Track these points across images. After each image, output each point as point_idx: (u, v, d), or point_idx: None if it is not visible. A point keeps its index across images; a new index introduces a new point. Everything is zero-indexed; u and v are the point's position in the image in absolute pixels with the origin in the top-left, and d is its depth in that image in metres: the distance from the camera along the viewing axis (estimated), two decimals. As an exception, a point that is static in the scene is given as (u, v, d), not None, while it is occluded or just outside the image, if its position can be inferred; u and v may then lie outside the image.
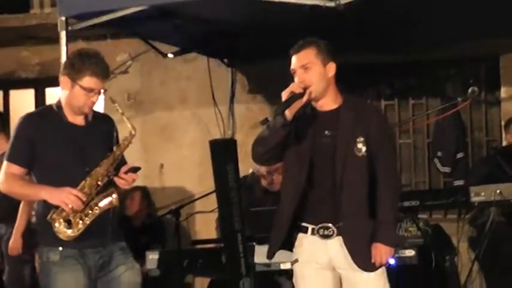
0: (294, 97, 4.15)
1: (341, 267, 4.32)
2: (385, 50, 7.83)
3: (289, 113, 4.12)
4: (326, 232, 4.29)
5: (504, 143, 7.73)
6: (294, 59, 4.33)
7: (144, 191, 8.14)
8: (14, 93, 9.68)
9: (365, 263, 4.24)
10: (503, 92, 8.44)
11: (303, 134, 4.29)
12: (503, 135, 7.82)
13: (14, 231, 6.57)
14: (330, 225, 4.27)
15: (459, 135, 8.25)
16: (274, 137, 4.22)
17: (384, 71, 8.74)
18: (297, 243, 4.40)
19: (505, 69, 8.38)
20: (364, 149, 4.27)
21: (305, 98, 4.18)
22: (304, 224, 4.35)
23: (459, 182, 7.77)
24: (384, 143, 4.35)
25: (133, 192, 7.89)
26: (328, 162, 4.29)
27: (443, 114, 7.60)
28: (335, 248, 4.29)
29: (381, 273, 4.32)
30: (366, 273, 4.26)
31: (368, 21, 5.95)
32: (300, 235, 4.38)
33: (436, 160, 8.32)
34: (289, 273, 5.79)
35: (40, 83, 9.34)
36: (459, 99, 6.37)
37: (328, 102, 4.36)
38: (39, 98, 9.35)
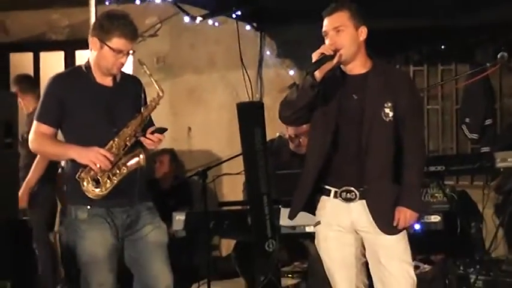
0: (324, 58, 4.14)
1: (363, 230, 4.33)
2: (414, 14, 7.77)
3: (318, 74, 4.12)
4: (349, 195, 4.31)
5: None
6: (326, 21, 4.31)
7: (173, 154, 8.20)
8: (44, 56, 9.68)
9: (387, 227, 4.26)
10: (534, 57, 8.34)
11: (331, 96, 4.28)
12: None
13: (24, 184, 6.62)
14: (353, 188, 4.29)
15: (488, 102, 8.19)
16: (303, 98, 4.21)
17: (412, 36, 8.64)
18: (319, 205, 4.43)
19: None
20: (391, 114, 4.26)
21: (335, 60, 4.19)
22: (327, 187, 4.37)
23: (486, 149, 7.69)
24: (412, 109, 4.35)
25: (161, 155, 7.96)
26: (354, 125, 4.29)
27: (472, 79, 7.57)
28: (358, 211, 4.30)
29: (402, 237, 4.33)
30: (387, 237, 4.27)
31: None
32: (323, 198, 4.40)
33: (464, 126, 8.26)
34: (313, 236, 5.92)
35: (70, 45, 9.34)
36: (488, 64, 6.31)
37: (358, 67, 4.35)
38: (69, 60, 9.34)
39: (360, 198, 4.29)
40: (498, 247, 7.33)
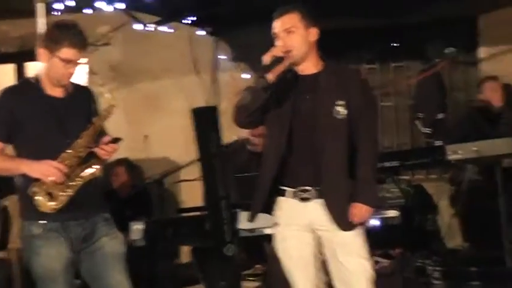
0: (275, 61, 4.13)
1: (320, 229, 4.32)
2: (365, 14, 7.81)
3: (271, 76, 4.09)
4: (306, 195, 4.30)
5: (482, 103, 7.70)
6: (277, 22, 4.30)
7: (128, 164, 8.10)
8: (-6, 68, 9.63)
9: (345, 223, 4.24)
10: (482, 52, 8.50)
11: (284, 97, 4.28)
12: (480, 95, 7.78)
13: None
14: (310, 188, 4.28)
15: (439, 96, 8.30)
16: (256, 100, 4.20)
17: (364, 35, 8.73)
18: (277, 206, 4.41)
19: (483, 30, 8.43)
20: (344, 112, 4.26)
21: (287, 62, 4.17)
22: (284, 188, 4.36)
23: (440, 143, 7.74)
24: (365, 107, 4.34)
25: (116, 166, 7.89)
26: (308, 125, 4.29)
27: (423, 75, 7.63)
28: (315, 210, 4.28)
29: (359, 233, 4.33)
30: (344, 233, 4.26)
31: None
32: (280, 198, 4.38)
33: (417, 121, 8.35)
34: (271, 238, 5.95)
35: (20, 57, 9.23)
36: (438, 60, 6.35)
37: (309, 67, 4.36)
38: (20, 73, 9.26)
39: (317, 197, 4.28)
40: (454, 238, 7.45)
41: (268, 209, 4.42)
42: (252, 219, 4.49)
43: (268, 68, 4.10)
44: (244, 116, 4.32)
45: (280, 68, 4.12)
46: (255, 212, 4.45)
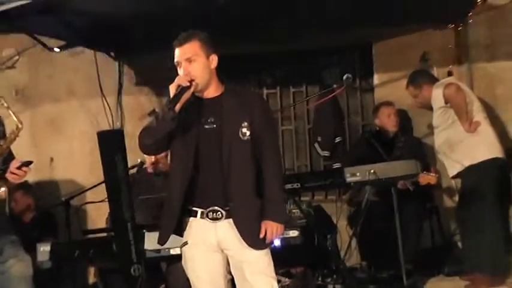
0: (182, 90, 4.12)
1: (229, 248, 4.31)
2: (265, 40, 7.88)
3: (178, 106, 4.09)
4: (215, 215, 4.28)
5: (377, 127, 7.81)
6: (178, 51, 4.28)
7: (25, 187, 7.86)
8: None
9: (254, 242, 4.25)
10: (376, 78, 8.59)
11: (188, 122, 4.26)
12: (375, 120, 7.86)
13: None
14: (219, 208, 4.27)
15: (337, 120, 8.35)
16: (163, 130, 4.18)
17: (264, 60, 8.80)
18: (187, 227, 4.36)
19: (377, 57, 8.54)
20: (248, 133, 4.28)
21: (191, 90, 4.17)
22: (194, 208, 4.32)
23: (338, 165, 7.84)
24: (267, 127, 4.38)
25: (14, 191, 7.66)
26: (214, 147, 4.28)
27: (321, 100, 7.69)
28: (224, 230, 4.28)
29: (266, 253, 4.33)
30: (253, 252, 4.25)
31: (247, 13, 5.90)
32: (190, 219, 4.34)
33: (316, 145, 8.41)
34: (179, 258, 5.89)
35: None
36: (335, 86, 6.43)
37: (212, 91, 4.35)
38: None
39: (226, 217, 4.27)
40: (352, 256, 7.50)
41: (178, 229, 4.37)
42: (163, 241, 4.41)
43: (176, 98, 4.08)
44: (151, 143, 4.29)
45: (186, 97, 4.13)
46: (167, 234, 4.38)
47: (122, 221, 5.77)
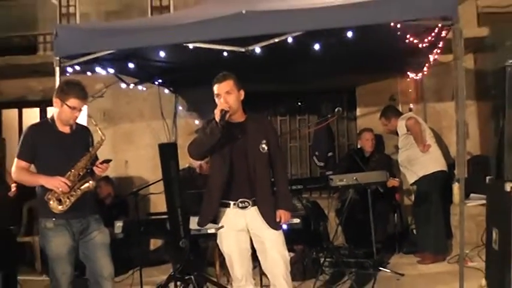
0: (224, 114, 4.19)
1: (254, 229, 4.36)
2: (280, 81, 7.89)
3: (221, 124, 4.15)
4: (244, 204, 4.34)
5: (359, 146, 7.82)
6: (218, 86, 4.32)
7: (107, 180, 7.91)
8: (25, 111, 9.47)
9: (273, 223, 4.32)
10: (358, 111, 8.60)
11: (224, 139, 4.28)
12: (358, 141, 7.90)
13: None
14: (247, 199, 4.33)
15: (329, 140, 8.35)
16: (211, 141, 4.22)
17: (279, 96, 8.80)
18: (223, 214, 4.39)
19: (359, 96, 8.57)
20: (266, 148, 4.36)
21: (228, 114, 4.22)
22: (227, 201, 4.37)
23: (330, 173, 7.79)
24: (276, 144, 4.49)
25: (100, 181, 7.74)
26: (242, 158, 4.33)
27: (319, 126, 7.72)
28: (251, 215, 4.34)
29: (280, 232, 4.40)
30: (272, 231, 4.32)
31: (267, 62, 5.94)
32: (225, 209, 4.38)
33: (314, 157, 8.40)
34: (212, 236, 5.89)
35: (43, 104, 9.06)
36: (329, 115, 6.44)
37: (238, 117, 4.40)
38: (43, 114, 9.10)
39: (252, 206, 4.33)
40: (338, 238, 7.47)
41: (215, 217, 4.41)
42: (203, 225, 4.47)
43: (223, 118, 4.15)
44: (201, 151, 4.35)
45: (225, 118, 4.18)
46: (207, 220, 4.42)
47: (174, 207, 5.75)
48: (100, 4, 8.94)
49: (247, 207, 4.34)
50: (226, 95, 4.30)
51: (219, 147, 4.31)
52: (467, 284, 4.99)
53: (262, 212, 4.33)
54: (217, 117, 4.17)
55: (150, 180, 7.29)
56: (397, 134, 7.19)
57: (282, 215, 4.36)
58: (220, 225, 4.41)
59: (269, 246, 4.34)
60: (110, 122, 8.86)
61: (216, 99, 4.33)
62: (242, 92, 4.39)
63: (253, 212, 4.34)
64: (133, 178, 8.64)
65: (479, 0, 7.77)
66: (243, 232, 4.39)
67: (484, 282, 5.10)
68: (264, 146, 4.36)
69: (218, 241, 4.48)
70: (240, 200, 4.34)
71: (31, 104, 9.29)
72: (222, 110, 4.19)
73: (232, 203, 4.36)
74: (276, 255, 4.33)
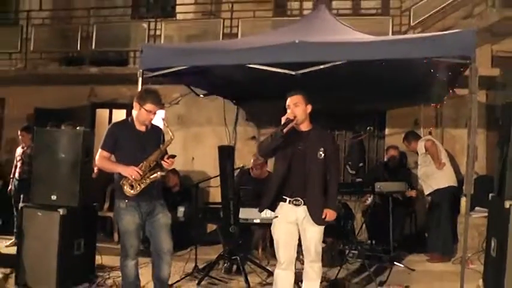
0: (288, 121, 4.18)
1: (302, 223, 4.30)
2: (323, 103, 7.69)
3: (285, 130, 4.14)
4: (297, 202, 4.28)
5: (385, 160, 7.68)
6: (290, 99, 4.32)
7: (175, 172, 7.88)
8: (115, 111, 9.57)
9: (318, 221, 4.25)
10: (387, 131, 8.40)
11: (288, 143, 4.25)
12: (385, 156, 7.78)
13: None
14: (300, 198, 4.27)
15: (360, 153, 8.21)
16: (274, 143, 4.20)
17: (322, 115, 8.62)
18: (279, 207, 4.36)
19: (388, 119, 8.36)
20: (323, 155, 4.26)
21: (293, 122, 4.20)
22: (284, 197, 4.32)
23: (360, 180, 7.67)
24: (333, 154, 4.38)
25: (170, 173, 7.73)
26: (301, 162, 4.27)
27: (353, 140, 7.58)
28: (301, 212, 4.28)
29: (322, 228, 4.33)
30: (316, 226, 4.26)
31: (312, 85, 5.80)
32: (281, 203, 4.34)
33: (347, 166, 8.24)
34: (258, 225, 5.88)
35: (130, 106, 9.06)
36: (362, 132, 6.33)
37: (304, 126, 4.35)
38: (129, 114, 9.14)
39: (304, 204, 4.26)
40: (362, 235, 7.38)
41: (273, 207, 4.38)
42: (261, 210, 4.48)
43: (285, 125, 4.15)
44: (267, 151, 4.32)
45: (290, 126, 4.16)
46: (264, 207, 4.42)
47: (227, 198, 5.75)
48: (182, 29, 8.98)
49: (299, 205, 4.27)
50: (294, 107, 4.27)
51: (282, 149, 4.27)
52: (468, 283, 4.86)
53: (310, 211, 4.25)
54: (282, 123, 4.18)
55: (211, 175, 7.28)
56: (417, 153, 7.06)
57: (328, 213, 4.27)
58: (275, 215, 4.37)
59: (309, 238, 4.30)
60: (182, 125, 8.84)
61: (288, 110, 4.32)
62: (309, 106, 4.33)
63: (303, 210, 4.27)
64: (197, 172, 8.58)
65: (494, 45, 7.60)
66: (293, 225, 4.32)
67: (481, 282, 5.04)
68: (321, 153, 4.26)
69: (272, 227, 4.43)
70: (295, 198, 4.27)
71: (120, 106, 9.37)
72: (286, 119, 4.18)
73: (288, 199, 4.30)
74: (314, 245, 4.30)
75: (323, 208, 4.25)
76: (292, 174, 4.26)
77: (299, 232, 4.33)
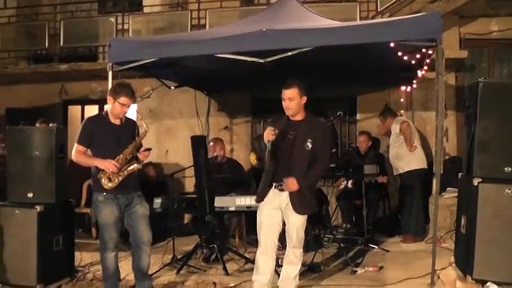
0: (268, 143, 4.27)
1: (284, 209, 4.37)
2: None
3: (269, 148, 4.30)
4: (281, 187, 4.35)
5: (357, 145, 7.81)
6: (284, 92, 4.34)
7: (154, 165, 8.02)
8: (87, 108, 9.55)
9: (298, 208, 4.33)
10: (358, 116, 8.54)
11: (280, 135, 4.32)
12: (356, 141, 7.90)
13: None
14: (283, 184, 4.34)
15: (333, 139, 8.25)
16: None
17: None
18: (269, 192, 4.43)
19: (359, 103, 8.50)
20: (310, 146, 4.30)
21: (275, 136, 4.24)
22: (272, 183, 4.40)
23: (333, 165, 7.78)
24: (323, 144, 4.38)
25: (148, 165, 7.82)
26: (289, 150, 4.34)
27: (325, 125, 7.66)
28: (284, 198, 4.35)
29: (304, 216, 4.40)
30: (295, 215, 4.33)
31: (281, 72, 5.94)
32: (270, 188, 4.42)
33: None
34: (234, 213, 5.90)
35: (102, 102, 9.03)
36: (332, 118, 6.44)
37: (298, 117, 4.41)
38: (101, 110, 9.13)
39: (286, 190, 4.34)
40: (336, 219, 7.55)
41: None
42: (259, 200, 4.48)
43: (265, 148, 4.31)
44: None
45: (268, 146, 4.28)
46: (262, 197, 4.45)
47: (202, 188, 5.81)
48: (149, 22, 9.01)
49: (283, 190, 4.34)
50: (289, 101, 4.32)
51: (277, 142, 4.31)
52: (440, 261, 4.99)
53: (291, 198, 4.32)
54: (265, 142, 4.27)
55: (185, 166, 7.35)
56: (389, 135, 7.16)
57: (287, 181, 4.28)
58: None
59: (291, 224, 4.36)
60: (154, 119, 8.90)
61: (282, 102, 4.37)
62: (305, 98, 4.38)
63: (286, 196, 4.33)
64: (171, 164, 8.65)
65: (462, 27, 7.71)
66: (276, 210, 4.39)
67: (452, 259, 5.12)
68: (308, 144, 4.30)
69: (258, 210, 4.48)
70: (279, 183, 4.34)
71: (92, 102, 9.38)
72: (268, 141, 4.24)
73: (274, 184, 4.37)
74: (295, 231, 4.37)
75: (304, 198, 4.32)
76: (280, 161, 4.34)
77: (283, 218, 4.42)
